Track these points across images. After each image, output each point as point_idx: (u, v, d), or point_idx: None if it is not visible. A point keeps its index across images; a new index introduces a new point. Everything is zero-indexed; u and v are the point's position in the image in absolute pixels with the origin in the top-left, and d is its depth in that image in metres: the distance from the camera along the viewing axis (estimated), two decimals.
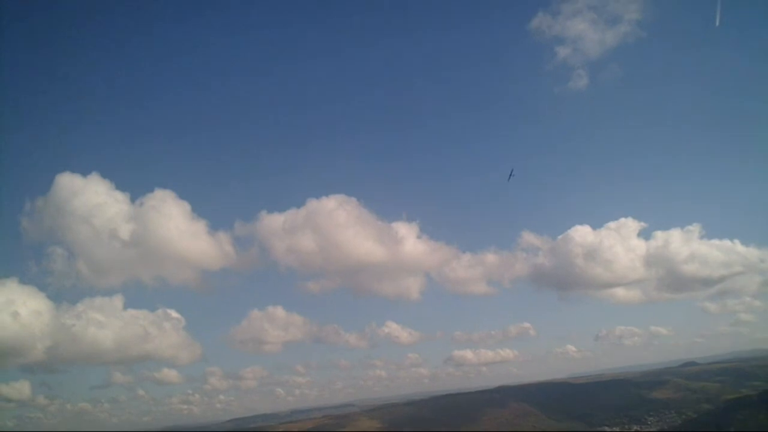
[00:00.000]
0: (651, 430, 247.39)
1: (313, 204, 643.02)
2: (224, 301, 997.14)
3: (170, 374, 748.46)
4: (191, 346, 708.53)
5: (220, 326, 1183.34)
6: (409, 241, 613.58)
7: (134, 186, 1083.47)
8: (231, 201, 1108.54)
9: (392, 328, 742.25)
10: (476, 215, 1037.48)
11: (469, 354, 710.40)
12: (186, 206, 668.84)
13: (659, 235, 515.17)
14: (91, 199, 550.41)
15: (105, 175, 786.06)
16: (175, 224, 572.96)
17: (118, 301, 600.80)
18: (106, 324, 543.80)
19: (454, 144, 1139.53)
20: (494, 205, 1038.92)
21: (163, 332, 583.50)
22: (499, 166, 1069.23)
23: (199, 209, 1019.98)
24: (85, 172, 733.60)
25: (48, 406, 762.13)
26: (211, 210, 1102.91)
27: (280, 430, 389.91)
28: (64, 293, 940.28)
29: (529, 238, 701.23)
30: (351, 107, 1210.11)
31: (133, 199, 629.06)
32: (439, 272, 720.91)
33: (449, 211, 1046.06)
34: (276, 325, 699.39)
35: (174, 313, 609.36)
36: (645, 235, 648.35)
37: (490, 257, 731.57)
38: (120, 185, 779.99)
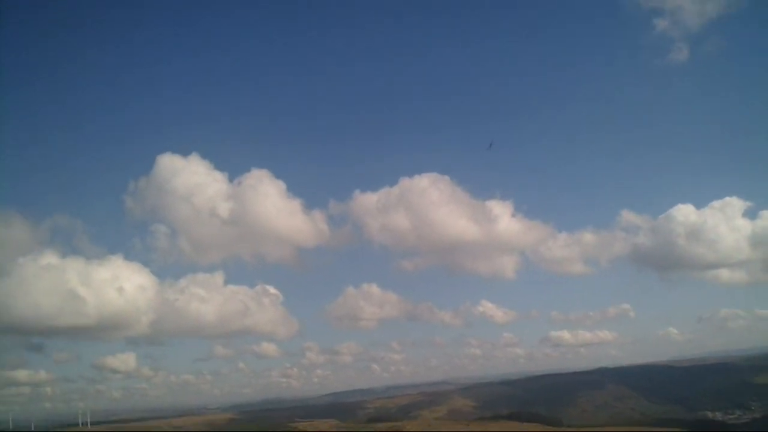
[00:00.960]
0: (755, 416, 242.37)
1: (406, 183, 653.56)
2: (320, 278, 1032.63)
3: (269, 348, 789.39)
4: (289, 322, 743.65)
5: (316, 303, 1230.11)
6: (504, 219, 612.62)
7: (232, 166, 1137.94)
8: (325, 181, 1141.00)
9: (487, 307, 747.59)
10: (573, 194, 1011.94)
11: (566, 334, 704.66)
12: (282, 185, 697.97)
13: (766, 215, 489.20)
14: (191, 179, 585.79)
15: (204, 155, 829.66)
16: (271, 203, 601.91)
17: (218, 277, 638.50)
18: (207, 299, 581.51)
19: (548, 121, 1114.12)
20: (592, 183, 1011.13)
21: (262, 307, 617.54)
22: (595, 141, 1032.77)
23: (294, 188, 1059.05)
24: (185, 153, 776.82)
25: (153, 377, 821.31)
26: (306, 189, 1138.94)
27: (376, 405, 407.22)
28: (168, 269, 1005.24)
29: (628, 217, 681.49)
30: (444, 88, 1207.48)
31: (231, 179, 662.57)
32: (535, 251, 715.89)
33: (544, 190, 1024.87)
34: (371, 302, 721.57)
35: (272, 289, 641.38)
36: (750, 214, 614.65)
37: (588, 236, 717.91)
38: (218, 165, 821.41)
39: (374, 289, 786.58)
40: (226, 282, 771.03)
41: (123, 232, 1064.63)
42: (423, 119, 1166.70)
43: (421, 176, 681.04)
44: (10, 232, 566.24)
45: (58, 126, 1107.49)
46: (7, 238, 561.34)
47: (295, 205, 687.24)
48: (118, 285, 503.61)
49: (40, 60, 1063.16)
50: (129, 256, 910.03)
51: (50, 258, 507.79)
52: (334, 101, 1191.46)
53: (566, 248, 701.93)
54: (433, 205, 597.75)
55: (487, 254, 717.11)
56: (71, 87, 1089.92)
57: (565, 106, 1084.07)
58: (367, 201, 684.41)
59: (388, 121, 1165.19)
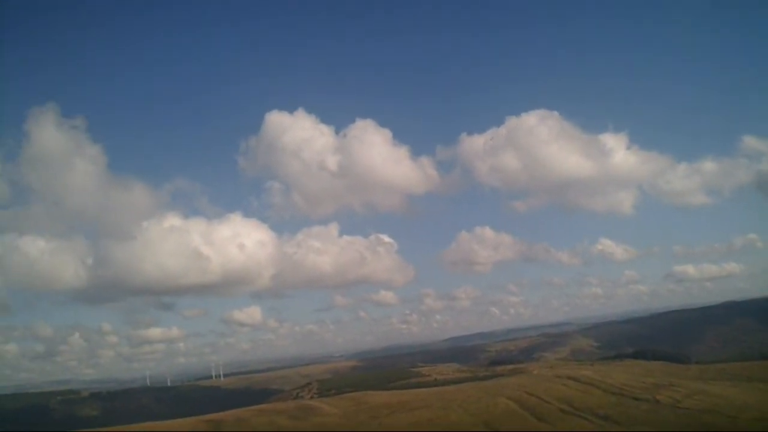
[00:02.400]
0: None
1: (513, 122, 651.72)
2: (432, 224, 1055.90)
3: (387, 296, 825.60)
4: (404, 269, 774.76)
5: (431, 249, 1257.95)
6: (618, 153, 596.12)
7: (337, 118, 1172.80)
8: (431, 126, 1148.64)
9: (605, 244, 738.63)
10: (691, 121, 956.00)
11: (690, 269, 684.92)
12: (387, 134, 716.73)
13: None
14: (298, 134, 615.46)
15: (309, 109, 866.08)
16: (378, 152, 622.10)
17: (333, 228, 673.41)
18: (323, 251, 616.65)
19: (662, 45, 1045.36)
20: (710, 108, 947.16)
21: (377, 256, 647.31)
22: (712, 63, 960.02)
23: (400, 136, 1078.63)
24: (291, 109, 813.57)
25: (278, 328, 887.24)
26: (413, 136, 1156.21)
27: (497, 348, 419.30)
28: (284, 224, 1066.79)
29: (751, 142, 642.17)
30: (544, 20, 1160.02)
31: (337, 131, 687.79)
32: (653, 184, 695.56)
33: (660, 118, 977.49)
34: (485, 245, 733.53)
35: (386, 238, 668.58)
36: None
37: (708, 165, 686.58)
38: (324, 118, 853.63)
39: (488, 232, 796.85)
40: (341, 233, 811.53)
41: (239, 191, 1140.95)
42: (525, 54, 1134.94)
43: (529, 114, 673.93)
44: (133, 198, 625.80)
45: (171, 95, 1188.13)
46: (131, 203, 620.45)
47: (402, 152, 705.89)
48: (238, 242, 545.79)
49: (154, 33, 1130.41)
50: (247, 214, 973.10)
51: (173, 220, 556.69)
52: (433, 39, 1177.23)
53: (686, 179, 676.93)
54: (542, 143, 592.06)
55: (602, 190, 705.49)
56: (182, 58, 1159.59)
57: (679, 28, 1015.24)
58: (474, 143, 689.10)
59: (491, 59, 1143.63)
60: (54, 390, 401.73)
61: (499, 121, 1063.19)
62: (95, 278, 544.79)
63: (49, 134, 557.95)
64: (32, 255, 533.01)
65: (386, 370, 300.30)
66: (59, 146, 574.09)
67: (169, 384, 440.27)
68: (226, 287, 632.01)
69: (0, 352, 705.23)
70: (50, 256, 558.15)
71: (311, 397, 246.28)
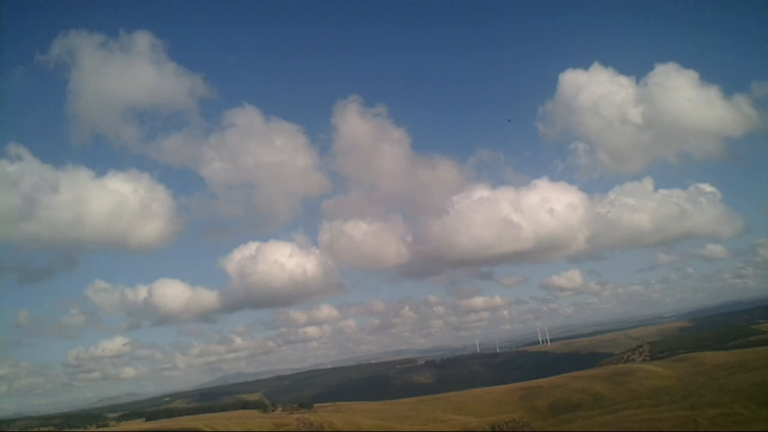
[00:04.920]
0: None
1: None
2: (757, 167, 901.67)
3: (715, 249, 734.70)
4: (732, 219, 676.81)
5: (761, 194, 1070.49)
6: None
7: (635, 67, 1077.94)
8: (743, 61, 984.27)
9: None
10: None
11: None
12: (693, 75, 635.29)
13: None
14: (596, 90, 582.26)
15: (605, 63, 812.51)
16: (685, 96, 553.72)
17: (647, 183, 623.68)
18: (639, 207, 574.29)
19: None
20: None
21: (699, 208, 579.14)
22: None
23: (708, 76, 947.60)
24: (585, 66, 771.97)
25: (600, 291, 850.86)
26: (723, 73, 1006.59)
27: None
28: (592, 184, 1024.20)
29: None
30: None
31: (637, 81, 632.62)
32: None
33: None
34: None
35: (707, 187, 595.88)
36: None
37: None
38: (622, 69, 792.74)
39: None
40: (656, 187, 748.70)
41: (542, 156, 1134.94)
42: None
43: None
44: (440, 174, 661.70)
45: (456, 75, 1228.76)
46: (440, 179, 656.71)
47: (712, 93, 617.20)
48: (548, 207, 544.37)
49: None
50: (553, 178, 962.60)
51: (482, 191, 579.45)
52: None
53: None
54: None
55: None
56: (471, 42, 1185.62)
57: None
58: None
59: None
60: (392, 360, 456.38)
61: None
62: (416, 254, 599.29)
63: (356, 124, 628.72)
64: (357, 238, 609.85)
65: (721, 329, 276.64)
66: (366, 134, 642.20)
67: (497, 350, 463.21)
68: (541, 253, 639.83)
69: (341, 327, 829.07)
70: (373, 238, 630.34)
71: (643, 360, 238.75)
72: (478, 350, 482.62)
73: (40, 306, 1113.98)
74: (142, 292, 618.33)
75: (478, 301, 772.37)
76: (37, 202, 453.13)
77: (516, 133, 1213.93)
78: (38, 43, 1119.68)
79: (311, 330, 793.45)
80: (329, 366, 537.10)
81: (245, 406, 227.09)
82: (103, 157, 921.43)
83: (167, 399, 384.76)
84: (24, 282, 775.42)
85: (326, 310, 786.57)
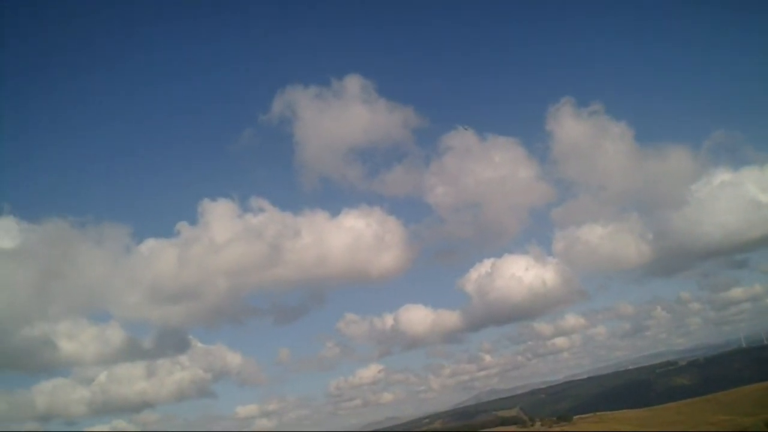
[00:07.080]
0: None
1: None
2: None
3: None
4: None
5: None
6: None
7: None
8: None
9: None
10: None
11: None
12: None
13: None
14: None
15: None
16: None
17: None
18: None
19: None
20: None
21: None
22: None
23: None
24: None
25: None
26: None
27: None
28: None
29: None
30: None
31: None
32: None
33: None
34: None
35: None
36: None
37: None
38: None
39: None
40: None
41: None
42: None
43: None
44: (671, 164, 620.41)
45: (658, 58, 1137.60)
46: (672, 169, 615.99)
47: None
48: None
49: None
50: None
51: (722, 175, 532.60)
52: None
53: None
54: None
55: None
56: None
57: None
58: None
59: None
60: (651, 364, 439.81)
61: None
62: (659, 250, 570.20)
63: (572, 126, 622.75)
64: (593, 242, 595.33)
65: None
66: (584, 134, 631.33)
67: (765, 342, 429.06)
68: None
69: (591, 335, 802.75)
70: (609, 240, 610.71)
71: None
72: (744, 344, 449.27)
73: (298, 342, 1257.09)
74: (388, 319, 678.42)
75: (737, 291, 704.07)
76: (282, 247, 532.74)
77: (755, 109, 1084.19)
78: (260, 105, 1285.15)
79: (559, 341, 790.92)
80: (585, 376, 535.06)
81: (503, 422, 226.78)
82: (335, 198, 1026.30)
83: (426, 420, 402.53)
84: (280, 322, 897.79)
85: (572, 319, 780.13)
